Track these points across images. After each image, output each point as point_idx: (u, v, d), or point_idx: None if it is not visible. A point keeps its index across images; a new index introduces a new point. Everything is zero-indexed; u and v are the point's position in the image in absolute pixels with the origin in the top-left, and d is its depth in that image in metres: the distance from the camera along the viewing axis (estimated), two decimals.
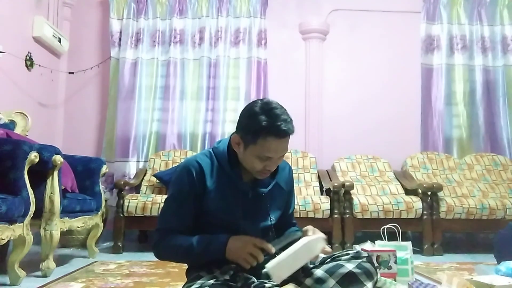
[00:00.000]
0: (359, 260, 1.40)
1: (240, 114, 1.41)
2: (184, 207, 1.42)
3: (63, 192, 2.66)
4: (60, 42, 4.08)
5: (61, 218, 2.61)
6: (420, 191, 3.54)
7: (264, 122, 1.32)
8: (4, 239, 2.13)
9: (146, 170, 4.05)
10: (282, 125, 1.32)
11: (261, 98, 1.45)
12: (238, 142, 1.39)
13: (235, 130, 1.43)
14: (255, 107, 1.36)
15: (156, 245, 1.45)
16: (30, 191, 2.31)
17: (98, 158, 3.46)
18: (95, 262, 2.97)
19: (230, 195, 1.42)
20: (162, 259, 1.49)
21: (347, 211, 3.45)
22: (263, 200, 1.47)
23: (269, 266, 1.27)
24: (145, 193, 3.78)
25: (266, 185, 1.47)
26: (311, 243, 1.33)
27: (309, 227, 1.43)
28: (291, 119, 1.37)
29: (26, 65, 3.69)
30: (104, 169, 3.30)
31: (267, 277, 1.33)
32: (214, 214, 1.42)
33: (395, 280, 1.76)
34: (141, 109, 4.25)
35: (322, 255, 1.48)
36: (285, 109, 1.38)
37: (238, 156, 1.43)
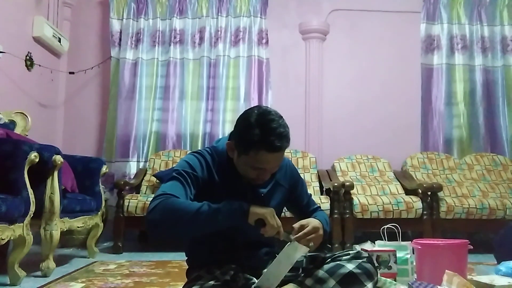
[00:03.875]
0: (360, 261, 1.39)
1: (237, 120, 1.39)
2: (189, 185, 1.35)
3: (63, 192, 2.66)
4: (60, 42, 4.08)
5: (61, 218, 2.61)
6: (420, 191, 3.53)
7: (256, 137, 1.28)
8: (4, 239, 2.13)
9: (146, 170, 4.04)
10: (276, 141, 1.29)
11: (259, 105, 1.39)
12: (232, 149, 1.38)
13: (232, 131, 1.42)
14: (250, 117, 1.33)
15: (153, 209, 1.25)
16: (30, 191, 2.31)
17: (98, 158, 3.46)
18: (95, 262, 2.97)
19: (230, 195, 1.41)
20: (156, 225, 1.26)
21: (347, 211, 3.45)
22: (262, 200, 1.45)
23: (257, 283, 1.33)
24: (145, 193, 3.78)
25: (265, 185, 1.46)
26: (288, 250, 1.33)
27: (296, 224, 1.39)
28: (287, 132, 1.32)
29: (26, 65, 3.69)
30: (104, 169, 3.30)
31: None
32: None
33: (395, 280, 1.76)
34: (141, 109, 4.25)
35: (321, 256, 1.48)
36: (282, 121, 1.34)
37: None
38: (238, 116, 1.39)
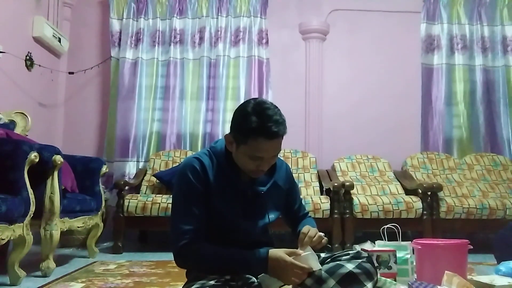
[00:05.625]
0: (359, 260, 1.39)
1: (233, 113, 1.41)
2: (198, 204, 1.39)
3: (63, 192, 2.66)
4: (60, 42, 4.08)
5: (61, 218, 2.61)
6: (420, 191, 3.53)
7: (254, 123, 1.31)
8: (4, 239, 2.13)
9: (146, 170, 4.04)
10: (273, 127, 1.31)
11: (255, 98, 1.43)
12: (231, 141, 1.39)
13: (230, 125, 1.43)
14: (247, 107, 1.36)
15: (180, 253, 1.37)
16: (30, 191, 2.31)
17: (98, 158, 3.46)
18: (95, 262, 2.97)
19: (230, 194, 1.43)
20: (186, 268, 1.44)
21: (347, 211, 3.45)
22: (261, 199, 1.47)
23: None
24: (145, 193, 3.78)
25: (265, 183, 1.47)
26: (301, 260, 1.33)
27: (304, 229, 1.43)
28: (283, 120, 1.35)
29: (26, 65, 3.69)
30: (104, 169, 3.30)
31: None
32: (214, 212, 1.41)
33: (395, 280, 1.76)
34: (141, 109, 4.25)
35: (321, 256, 1.48)
36: (278, 110, 1.37)
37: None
38: (235, 109, 1.42)
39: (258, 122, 1.31)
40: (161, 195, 3.49)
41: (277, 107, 1.38)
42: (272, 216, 1.51)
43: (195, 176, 1.40)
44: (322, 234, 1.43)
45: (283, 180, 1.55)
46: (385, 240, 2.03)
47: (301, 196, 1.71)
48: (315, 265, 1.34)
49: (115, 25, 4.35)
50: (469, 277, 1.78)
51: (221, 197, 1.41)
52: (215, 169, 1.43)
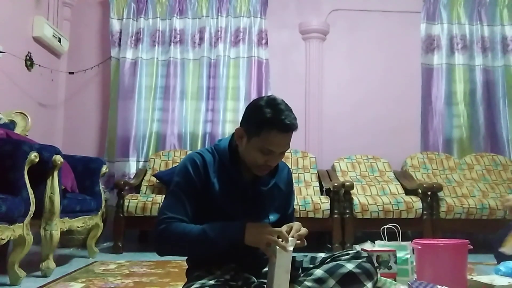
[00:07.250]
0: (359, 260, 1.39)
1: (246, 108, 1.44)
2: (189, 197, 1.39)
3: (63, 192, 2.66)
4: (60, 42, 4.08)
5: (61, 218, 2.61)
6: (420, 191, 3.54)
7: (268, 114, 1.34)
8: (4, 239, 2.13)
9: (146, 170, 4.05)
10: (286, 120, 1.34)
11: (268, 95, 1.46)
12: (242, 135, 1.40)
13: (239, 126, 1.44)
14: (260, 101, 1.39)
15: (159, 236, 1.35)
16: (30, 191, 2.31)
17: (98, 158, 3.46)
18: (95, 262, 2.97)
19: (230, 192, 1.43)
20: (164, 253, 1.41)
21: (347, 211, 3.45)
22: (262, 198, 1.47)
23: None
24: (145, 193, 3.78)
25: (266, 183, 1.48)
26: (282, 256, 1.29)
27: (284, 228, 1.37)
28: (295, 116, 1.38)
29: (26, 65, 3.69)
30: (104, 169, 3.30)
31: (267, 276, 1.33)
32: (214, 210, 1.41)
33: (395, 280, 1.76)
34: (141, 109, 4.25)
35: (321, 256, 1.48)
36: (289, 107, 1.40)
37: (239, 152, 1.43)
38: (247, 106, 1.45)
39: (272, 113, 1.34)
40: (161, 195, 3.49)
41: (288, 104, 1.40)
42: (272, 217, 1.50)
43: (194, 171, 1.41)
44: (304, 233, 1.37)
45: (283, 183, 1.56)
46: (385, 240, 2.03)
47: (294, 205, 1.69)
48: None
49: (115, 25, 4.35)
50: (469, 277, 1.78)
51: (221, 194, 1.41)
52: (217, 166, 1.44)
